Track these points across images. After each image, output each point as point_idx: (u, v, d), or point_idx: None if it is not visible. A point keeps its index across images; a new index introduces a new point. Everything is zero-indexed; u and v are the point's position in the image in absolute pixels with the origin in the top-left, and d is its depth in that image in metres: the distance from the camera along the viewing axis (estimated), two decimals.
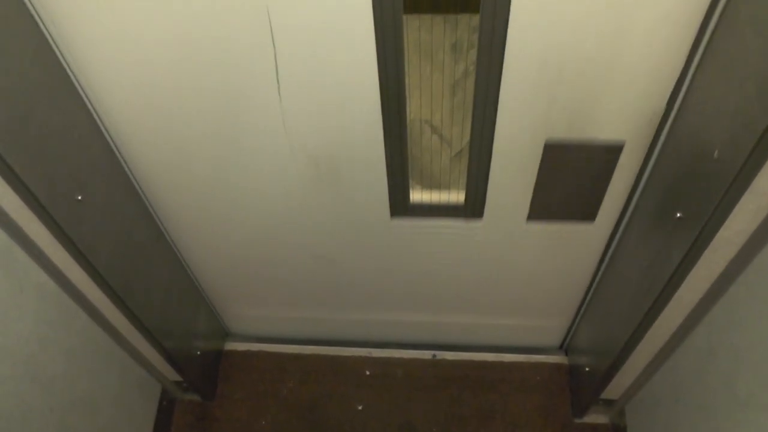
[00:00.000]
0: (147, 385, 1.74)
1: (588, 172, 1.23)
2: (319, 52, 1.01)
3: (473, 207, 1.36)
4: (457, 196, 1.34)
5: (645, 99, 1.04)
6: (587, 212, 1.35)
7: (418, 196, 1.35)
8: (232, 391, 1.93)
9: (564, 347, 1.96)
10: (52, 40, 1.00)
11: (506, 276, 1.61)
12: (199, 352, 1.80)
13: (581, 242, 1.43)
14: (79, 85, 1.08)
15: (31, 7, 0.95)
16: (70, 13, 0.96)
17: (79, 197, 1.12)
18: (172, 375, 1.78)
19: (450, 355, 1.96)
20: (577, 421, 1.84)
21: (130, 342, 1.52)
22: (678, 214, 1.06)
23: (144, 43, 1.01)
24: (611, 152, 1.17)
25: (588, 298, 1.64)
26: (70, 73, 1.06)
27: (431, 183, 1.36)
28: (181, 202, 1.40)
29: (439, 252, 1.52)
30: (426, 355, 1.97)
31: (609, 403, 1.77)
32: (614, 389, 1.66)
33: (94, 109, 1.14)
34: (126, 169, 1.27)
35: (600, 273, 1.52)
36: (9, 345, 1.08)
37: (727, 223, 0.97)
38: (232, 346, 2.01)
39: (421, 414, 1.87)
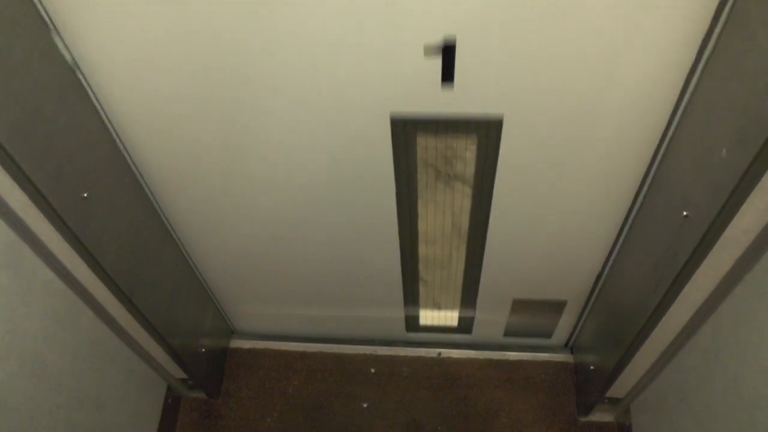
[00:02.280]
0: (152, 382, 1.75)
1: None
2: None
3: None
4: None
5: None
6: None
7: None
8: (238, 389, 1.93)
9: (569, 345, 1.96)
10: (60, 39, 1.00)
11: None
12: (204, 350, 1.80)
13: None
14: (87, 84, 1.08)
15: (40, 7, 0.95)
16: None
17: (86, 195, 1.12)
18: (177, 372, 1.78)
19: (455, 353, 1.96)
20: (582, 419, 1.84)
21: (136, 340, 1.53)
22: (684, 213, 1.05)
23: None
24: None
25: (594, 296, 1.64)
26: (78, 73, 1.06)
27: None
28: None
29: None
30: (431, 353, 1.97)
31: (614, 401, 1.77)
32: (619, 388, 1.66)
33: (102, 108, 1.14)
34: (133, 167, 1.28)
35: (606, 271, 1.52)
36: (16, 343, 1.09)
37: (735, 221, 0.97)
38: (237, 343, 2.02)
39: (427, 412, 1.87)
